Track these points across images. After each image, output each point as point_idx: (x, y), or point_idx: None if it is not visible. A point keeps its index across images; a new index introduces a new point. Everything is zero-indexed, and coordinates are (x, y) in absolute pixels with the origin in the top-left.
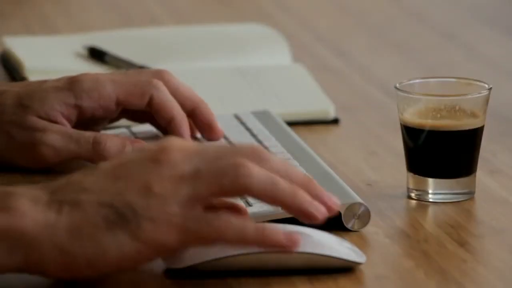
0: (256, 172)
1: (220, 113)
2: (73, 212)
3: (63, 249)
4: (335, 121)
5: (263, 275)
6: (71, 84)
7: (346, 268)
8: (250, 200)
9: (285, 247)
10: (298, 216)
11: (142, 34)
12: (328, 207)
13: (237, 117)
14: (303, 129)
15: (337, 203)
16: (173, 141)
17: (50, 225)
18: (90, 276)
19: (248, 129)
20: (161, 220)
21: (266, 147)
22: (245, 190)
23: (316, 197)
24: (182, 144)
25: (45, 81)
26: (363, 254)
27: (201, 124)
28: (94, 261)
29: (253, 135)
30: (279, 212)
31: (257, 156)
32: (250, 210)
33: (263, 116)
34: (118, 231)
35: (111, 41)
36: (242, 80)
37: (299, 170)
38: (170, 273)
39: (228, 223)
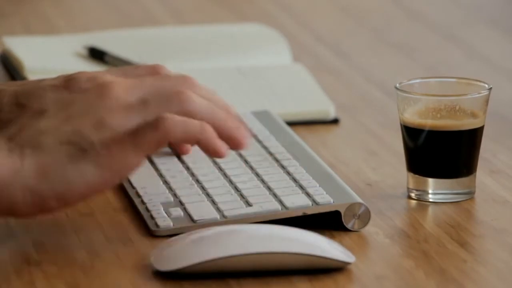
0: (196, 98)
1: None
2: (36, 154)
3: (32, 190)
4: (335, 121)
5: (263, 275)
6: (68, 82)
7: (343, 268)
8: (250, 200)
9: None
10: (222, 135)
11: (142, 34)
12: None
13: None
14: (303, 129)
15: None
16: (108, 77)
17: (17, 169)
18: (59, 210)
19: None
20: (116, 144)
21: (266, 147)
22: (190, 114)
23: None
24: (119, 79)
25: (42, 80)
26: (352, 255)
27: None
28: (62, 195)
29: (253, 135)
30: (279, 212)
31: (190, 83)
32: (250, 210)
33: (263, 116)
34: (81, 163)
35: (111, 41)
36: (242, 80)
37: (221, 98)
38: (170, 274)
39: (173, 121)
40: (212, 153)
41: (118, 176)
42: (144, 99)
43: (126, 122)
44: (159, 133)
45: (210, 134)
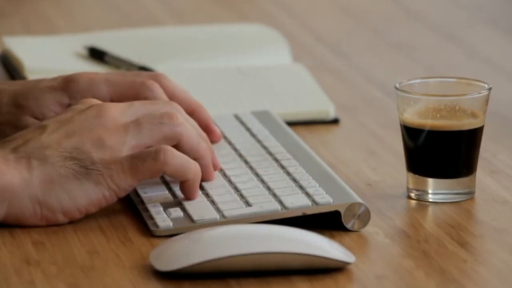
0: (185, 122)
1: (220, 113)
2: (42, 166)
3: (40, 200)
4: (335, 121)
5: (263, 275)
6: (66, 84)
7: (343, 268)
8: (250, 200)
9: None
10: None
11: (142, 34)
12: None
13: (237, 117)
14: (303, 129)
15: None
16: (96, 101)
17: (26, 179)
18: (62, 222)
19: (248, 129)
20: (116, 165)
21: (266, 147)
22: (180, 136)
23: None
24: (110, 103)
25: (41, 80)
26: (352, 255)
27: (200, 127)
28: (67, 208)
29: (253, 135)
30: (278, 212)
31: (176, 107)
32: (249, 210)
33: (263, 116)
34: (84, 180)
35: (111, 41)
36: (242, 80)
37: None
38: (170, 274)
39: (172, 155)
40: (188, 193)
41: (115, 195)
42: (137, 120)
43: (123, 142)
44: (157, 163)
45: (198, 177)
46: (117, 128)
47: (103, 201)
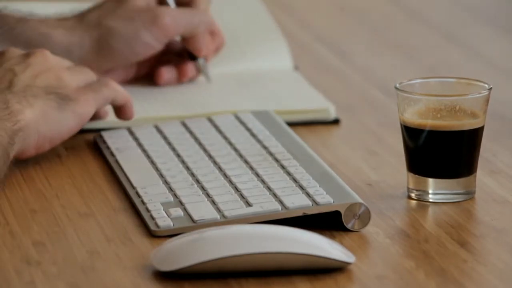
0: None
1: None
2: (36, 102)
3: (39, 132)
4: (335, 121)
5: (263, 275)
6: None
7: (343, 268)
8: (250, 200)
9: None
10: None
11: None
12: None
13: (237, 117)
14: (303, 129)
15: None
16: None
17: (33, 115)
18: (47, 150)
19: (248, 129)
20: (83, 99)
21: (266, 147)
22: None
23: None
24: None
25: None
26: (352, 255)
27: None
28: (53, 138)
29: (253, 135)
30: (279, 212)
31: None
32: (250, 210)
33: (263, 116)
34: (65, 111)
35: None
36: (243, 84)
37: None
38: (170, 274)
39: (115, 85)
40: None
41: (83, 123)
42: (70, 64)
43: (77, 80)
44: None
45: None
46: (63, 69)
47: (75, 129)
